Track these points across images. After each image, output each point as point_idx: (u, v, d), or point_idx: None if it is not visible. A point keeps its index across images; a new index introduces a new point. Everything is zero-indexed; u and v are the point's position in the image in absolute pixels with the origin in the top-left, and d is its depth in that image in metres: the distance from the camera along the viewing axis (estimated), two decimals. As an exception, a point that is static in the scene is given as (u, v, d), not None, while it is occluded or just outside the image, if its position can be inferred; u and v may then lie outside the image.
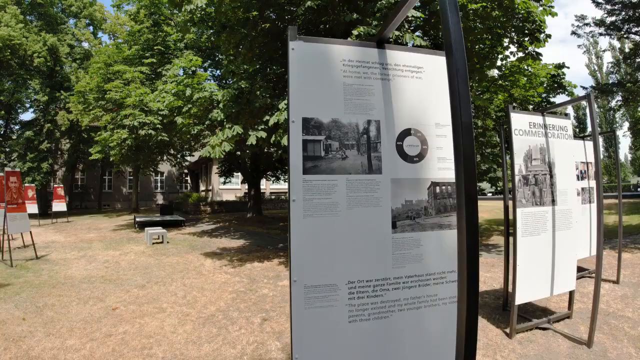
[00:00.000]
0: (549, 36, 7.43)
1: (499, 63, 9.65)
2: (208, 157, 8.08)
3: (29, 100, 22.66)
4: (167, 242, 11.41)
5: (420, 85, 1.90)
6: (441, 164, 1.86)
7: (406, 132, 1.84)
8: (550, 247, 3.82)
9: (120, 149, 17.34)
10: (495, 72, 10.93)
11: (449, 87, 1.13)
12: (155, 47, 19.01)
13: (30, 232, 8.93)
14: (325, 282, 1.69)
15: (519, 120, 3.85)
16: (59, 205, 18.87)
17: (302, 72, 1.73)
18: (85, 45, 25.22)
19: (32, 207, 16.48)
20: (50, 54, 20.94)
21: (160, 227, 12.73)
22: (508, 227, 4.47)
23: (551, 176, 3.96)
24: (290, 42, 1.74)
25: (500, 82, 10.60)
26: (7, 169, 8.58)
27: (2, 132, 21.64)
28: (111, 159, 18.20)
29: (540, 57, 7.70)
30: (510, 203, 4.12)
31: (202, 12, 7.69)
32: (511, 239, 3.89)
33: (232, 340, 4.16)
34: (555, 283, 3.86)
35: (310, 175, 1.70)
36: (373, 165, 1.80)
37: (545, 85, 10.82)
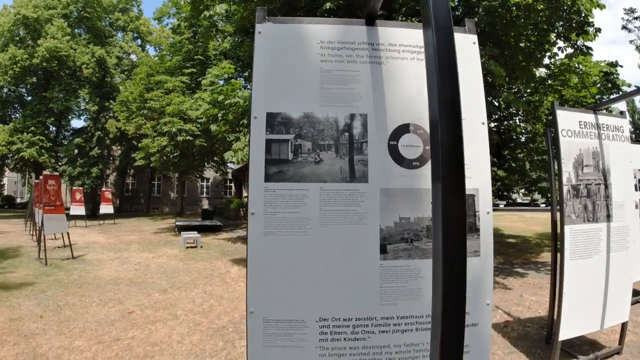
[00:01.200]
0: (598, 30, 6.59)
1: (546, 61, 8.73)
2: (246, 162, 7.99)
3: (78, 109, 24.45)
4: (201, 247, 11.54)
5: (423, 68, 1.47)
6: (451, 171, 1.41)
7: (403, 129, 1.42)
8: (604, 272, 3.13)
9: (160, 156, 18.05)
10: (543, 72, 9.94)
11: (425, 62, 0.73)
12: (195, 57, 19.70)
13: (67, 233, 9.36)
14: (289, 317, 1.35)
15: (567, 119, 3.22)
16: (106, 208, 20.00)
17: (270, 59, 1.45)
18: (134, 57, 26.87)
19: (80, 209, 17.59)
20: (99, 65, 22.49)
21: (195, 232, 12.92)
22: (556, 246, 3.79)
23: (606, 186, 3.27)
24: (257, 25, 1.47)
25: (549, 82, 9.59)
26: (45, 172, 9.06)
27: (53, 138, 23.50)
28: (151, 165, 19.01)
29: (591, 51, 6.82)
30: (558, 217, 3.47)
31: (222, 19, 7.65)
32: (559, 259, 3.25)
33: (235, 357, 3.88)
34: (606, 315, 3.16)
35: (274, 183, 1.38)
36: (356, 171, 1.40)
37: (598, 85, 9.64)
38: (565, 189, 3.19)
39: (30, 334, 4.36)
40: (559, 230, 3.31)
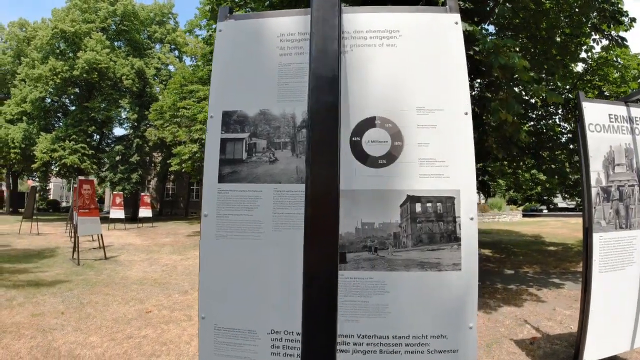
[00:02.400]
0: (633, 20, 5.99)
1: (583, 55, 8.05)
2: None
3: (119, 118, 25.94)
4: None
5: (395, 56, 1.30)
6: (425, 169, 1.23)
7: (368, 123, 1.26)
8: (637, 286, 2.73)
9: (192, 162, 18.68)
10: (580, 67, 9.19)
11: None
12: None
13: (101, 235, 9.82)
14: (241, 327, 1.27)
15: (595, 112, 2.85)
16: (144, 212, 20.98)
17: (229, 57, 1.40)
18: (171, 68, 28.17)
19: (119, 213, 18.58)
20: (138, 76, 23.75)
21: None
22: (587, 256, 3.39)
23: (642, 188, 2.87)
24: (219, 23, 1.44)
25: (587, 77, 8.84)
26: (80, 177, 9.58)
27: (96, 146, 25.05)
28: (183, 170, 19.72)
29: (626, 42, 6.21)
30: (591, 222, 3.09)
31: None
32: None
33: (240, 364, 3.80)
34: (638, 333, 2.75)
35: (227, 184, 1.32)
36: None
37: (639, 80, 8.73)
38: (594, 191, 2.83)
39: (49, 329, 4.54)
40: (588, 239, 2.94)
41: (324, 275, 0.53)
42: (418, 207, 1.22)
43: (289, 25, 1.38)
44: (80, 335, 4.34)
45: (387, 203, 1.22)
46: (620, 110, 2.87)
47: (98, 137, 26.01)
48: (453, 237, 1.21)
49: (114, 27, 24.56)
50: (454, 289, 1.19)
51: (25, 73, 22.30)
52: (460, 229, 1.21)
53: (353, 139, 1.25)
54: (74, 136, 22.80)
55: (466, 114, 1.26)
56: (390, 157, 1.24)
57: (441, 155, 1.23)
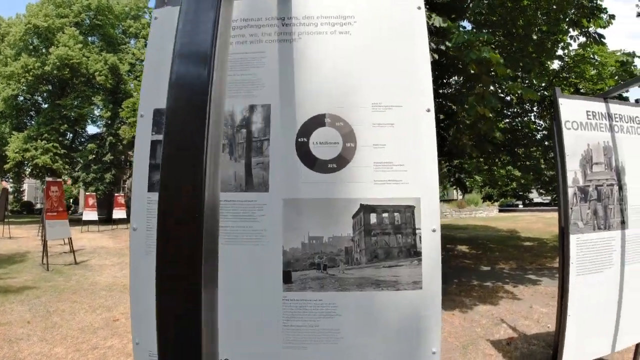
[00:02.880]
0: (612, 17, 6.06)
1: (560, 52, 8.14)
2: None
3: (93, 116, 24.93)
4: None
5: (349, 45, 1.14)
6: (381, 174, 1.08)
7: (316, 122, 1.10)
8: (617, 288, 2.68)
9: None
10: (557, 64, 9.31)
11: None
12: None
13: (70, 239, 9.34)
14: None
15: (572, 109, 2.77)
16: (119, 213, 20.20)
17: (163, 48, 1.20)
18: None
19: (92, 215, 17.82)
20: (112, 72, 22.76)
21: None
22: (564, 258, 3.34)
23: (620, 187, 2.81)
24: (154, 10, 1.28)
25: (563, 74, 8.95)
26: (47, 179, 9.09)
27: (69, 145, 24.01)
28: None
29: (603, 39, 6.28)
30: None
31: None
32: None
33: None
34: (619, 336, 2.70)
35: (158, 193, 1.07)
36: (254, 177, 1.09)
37: (616, 77, 8.92)
38: (570, 191, 2.75)
39: (15, 339, 4.36)
40: (565, 241, 2.87)
41: (180, 322, 0.37)
42: (373, 218, 1.06)
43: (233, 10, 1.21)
44: (46, 346, 4.16)
45: (337, 214, 1.06)
46: (598, 106, 2.80)
47: (71, 135, 24.94)
48: (413, 252, 1.06)
49: (87, 21, 23.53)
50: (415, 309, 1.05)
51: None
52: (420, 242, 1.06)
53: (299, 139, 1.09)
54: (46, 135, 21.75)
55: (428, 111, 1.11)
56: (342, 161, 1.08)
57: (399, 158, 1.08)
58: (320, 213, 1.06)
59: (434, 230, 1.07)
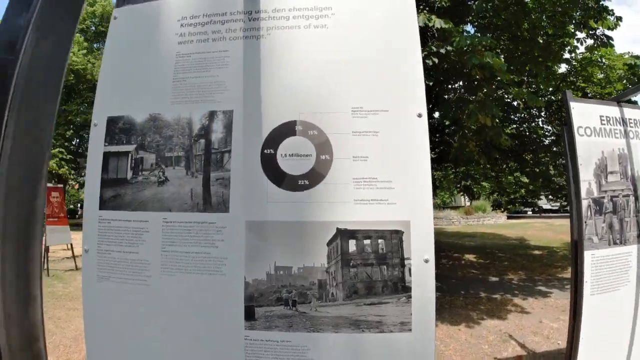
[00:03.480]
0: (619, 19, 5.85)
1: (566, 55, 7.91)
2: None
3: (98, 122, 25.18)
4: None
5: (325, 41, 0.98)
6: (363, 192, 0.90)
7: (286, 130, 0.93)
8: (631, 307, 2.44)
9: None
10: (564, 68, 9.07)
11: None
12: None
13: (71, 244, 9.27)
14: None
15: (585, 113, 2.55)
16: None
17: (121, 50, 1.11)
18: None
19: (98, 219, 17.86)
20: (118, 79, 23.05)
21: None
22: (577, 277, 3.10)
23: (636, 198, 2.59)
24: (115, 9, 1.16)
25: (571, 78, 8.70)
26: (48, 185, 9.06)
27: (75, 151, 24.22)
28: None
29: (612, 41, 6.05)
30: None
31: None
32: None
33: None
34: (632, 358, 2.46)
35: (109, 212, 1.01)
36: (213, 196, 0.92)
37: (624, 81, 8.64)
38: (584, 203, 2.54)
39: None
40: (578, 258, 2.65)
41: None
42: (352, 246, 0.88)
43: (194, 5, 1.06)
44: (34, 357, 4.09)
45: (309, 240, 0.89)
46: (612, 111, 2.59)
47: (77, 140, 25.19)
48: (401, 287, 0.88)
49: (93, 28, 23.88)
50: (402, 356, 0.86)
51: None
52: (410, 275, 0.88)
53: (265, 151, 0.92)
54: (52, 140, 22.02)
55: (420, 116, 0.94)
56: (315, 176, 0.91)
57: (385, 173, 0.91)
58: (289, 239, 0.89)
59: (426, 261, 0.89)
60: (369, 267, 0.88)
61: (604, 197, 2.57)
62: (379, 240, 0.88)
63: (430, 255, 0.90)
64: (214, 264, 0.91)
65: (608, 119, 2.66)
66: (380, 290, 0.88)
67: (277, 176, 0.91)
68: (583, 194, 2.54)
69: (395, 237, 0.89)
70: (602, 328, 2.40)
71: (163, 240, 0.94)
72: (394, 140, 0.92)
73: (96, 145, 1.06)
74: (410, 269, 0.89)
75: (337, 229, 0.88)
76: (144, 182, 0.98)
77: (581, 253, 2.43)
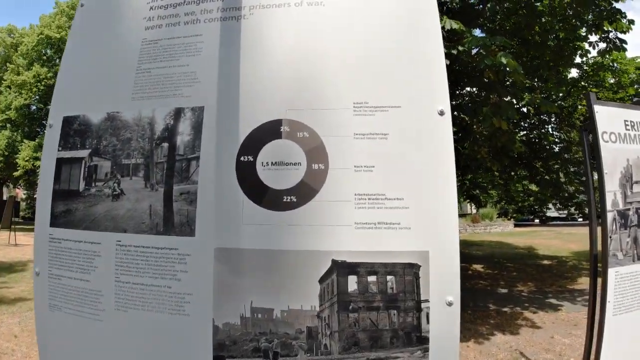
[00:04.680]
0: (631, 22, 5.64)
1: (578, 60, 7.67)
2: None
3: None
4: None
5: (321, 21, 0.77)
6: (367, 213, 0.69)
7: (268, 131, 0.72)
8: None
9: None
10: (575, 73, 8.82)
11: None
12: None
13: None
14: None
15: (609, 118, 2.32)
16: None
17: (83, 39, 0.94)
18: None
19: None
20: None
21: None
22: (594, 291, 2.85)
23: (664, 210, 2.35)
24: None
25: (582, 83, 8.42)
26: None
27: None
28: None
29: (625, 44, 5.83)
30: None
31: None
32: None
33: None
34: None
35: (61, 230, 0.83)
36: (175, 214, 0.72)
37: (635, 85, 8.37)
38: (609, 216, 2.30)
39: (1, 352, 4.11)
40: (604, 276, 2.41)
41: None
42: (352, 283, 0.67)
43: None
44: (27, 363, 3.86)
45: (296, 274, 0.68)
46: (637, 115, 2.36)
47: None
48: (416, 338, 0.66)
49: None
50: None
51: (10, 80, 21.85)
52: (428, 322, 0.66)
53: (242, 158, 0.71)
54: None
55: (442, 113, 0.73)
56: (305, 192, 0.70)
57: (396, 187, 0.70)
58: (270, 273, 0.68)
59: (450, 304, 0.67)
60: (374, 312, 0.67)
61: (629, 209, 2.33)
62: (388, 277, 0.67)
63: (455, 296, 0.68)
64: (176, 302, 0.71)
65: (633, 124, 2.43)
66: (389, 342, 0.66)
67: (257, 191, 0.70)
68: (608, 205, 2.30)
69: (410, 273, 0.67)
70: (623, 350, 2.15)
71: (116, 268, 0.75)
72: (409, 145, 0.71)
73: (50, 150, 0.88)
74: (428, 315, 0.67)
75: (333, 260, 0.67)
76: (96, 196, 0.79)
77: (605, 271, 2.19)
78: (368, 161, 0.70)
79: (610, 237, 2.25)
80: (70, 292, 0.81)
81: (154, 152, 0.76)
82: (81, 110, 0.86)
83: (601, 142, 2.29)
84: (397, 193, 0.69)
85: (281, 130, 0.71)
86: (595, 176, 2.52)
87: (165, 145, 0.75)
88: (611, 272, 2.19)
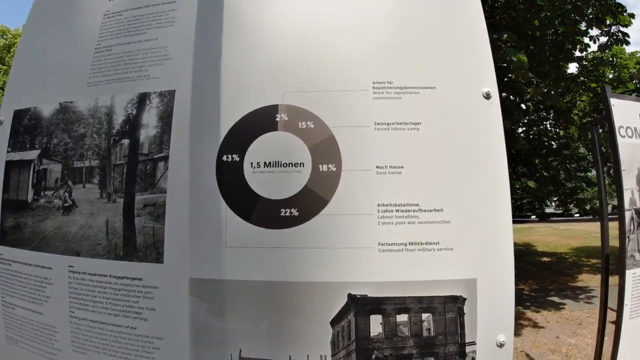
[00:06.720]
0: (632, 16, 5.52)
1: (577, 54, 7.55)
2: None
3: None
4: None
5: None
6: (395, 230, 0.51)
7: (260, 121, 0.54)
8: None
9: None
10: (574, 68, 8.70)
11: None
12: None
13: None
14: None
15: (626, 111, 2.14)
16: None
17: (41, 20, 0.77)
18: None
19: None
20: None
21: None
22: (606, 290, 2.67)
23: (681, 208, 2.18)
24: None
25: (581, 78, 8.28)
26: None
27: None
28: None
29: (627, 38, 5.69)
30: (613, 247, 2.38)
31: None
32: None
33: None
34: None
35: (10, 249, 0.66)
36: (138, 234, 0.54)
37: (635, 80, 8.24)
38: (627, 215, 2.13)
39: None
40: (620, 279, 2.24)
41: None
42: (376, 325, 0.49)
43: None
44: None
45: (300, 314, 0.49)
46: (654, 109, 2.19)
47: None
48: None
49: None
50: None
51: (3, 81, 21.73)
52: (477, 374, 0.48)
53: (224, 158, 0.53)
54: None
55: (488, 96, 0.55)
56: (310, 202, 0.51)
57: (433, 194, 0.51)
58: (264, 312, 0.50)
59: (501, 345, 0.50)
60: (412, 348, 0.49)
61: (646, 208, 2.17)
62: (424, 315, 0.49)
63: (508, 335, 0.50)
64: (142, 347, 0.52)
65: (650, 117, 2.26)
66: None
67: (244, 202, 0.51)
68: (626, 204, 2.13)
69: (452, 309, 0.49)
70: (638, 354, 2.00)
71: (70, 301, 0.57)
72: (447, 138, 0.53)
73: (0, 151, 0.69)
74: (474, 359, 0.49)
75: (350, 295, 0.49)
76: (45, 208, 0.61)
77: (622, 273, 2.02)
78: (395, 160, 0.51)
79: (628, 237, 2.08)
80: (25, 325, 0.65)
81: (112, 151, 0.57)
82: (33, 102, 0.68)
83: (618, 137, 2.12)
84: (434, 203, 0.50)
85: (277, 119, 0.53)
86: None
87: (126, 142, 0.56)
88: (629, 274, 2.01)
